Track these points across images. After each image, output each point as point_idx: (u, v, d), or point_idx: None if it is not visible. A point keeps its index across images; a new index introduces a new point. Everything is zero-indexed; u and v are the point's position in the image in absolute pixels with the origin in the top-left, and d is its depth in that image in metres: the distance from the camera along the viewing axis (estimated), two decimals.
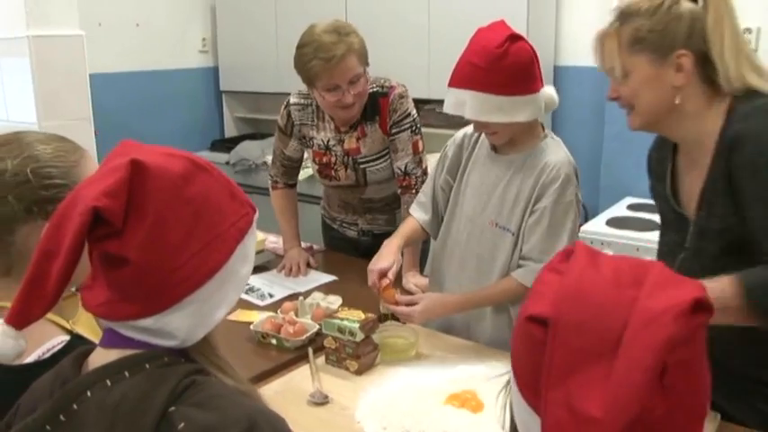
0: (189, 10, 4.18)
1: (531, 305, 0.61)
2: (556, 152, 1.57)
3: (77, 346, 0.87)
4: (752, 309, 1.14)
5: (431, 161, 2.07)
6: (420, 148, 2.04)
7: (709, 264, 1.22)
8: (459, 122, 1.68)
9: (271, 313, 1.74)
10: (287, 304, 1.76)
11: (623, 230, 2.67)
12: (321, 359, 1.55)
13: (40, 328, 0.78)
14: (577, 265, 0.61)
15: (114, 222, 0.66)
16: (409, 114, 2.02)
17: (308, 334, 1.62)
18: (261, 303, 1.88)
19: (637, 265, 0.61)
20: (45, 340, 0.91)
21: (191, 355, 0.74)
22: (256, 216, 0.78)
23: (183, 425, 0.67)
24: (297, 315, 1.72)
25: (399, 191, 2.06)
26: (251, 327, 1.67)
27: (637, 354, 0.54)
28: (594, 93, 3.07)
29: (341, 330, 1.49)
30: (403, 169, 2.02)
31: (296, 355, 1.58)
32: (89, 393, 0.69)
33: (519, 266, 1.58)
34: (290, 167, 2.21)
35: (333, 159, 2.09)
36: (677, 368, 0.54)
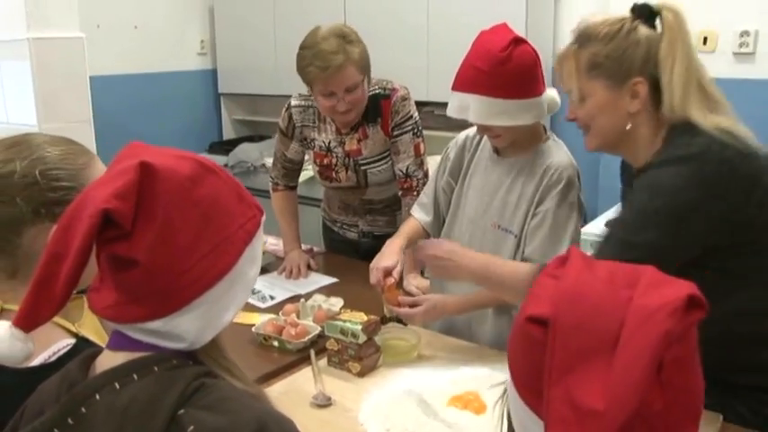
0: (187, 12, 4.18)
1: (530, 307, 0.62)
2: (558, 155, 1.57)
3: (83, 348, 0.87)
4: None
5: (430, 163, 2.08)
6: (422, 151, 2.05)
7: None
8: (457, 125, 1.69)
9: (272, 315, 1.74)
10: (288, 306, 1.76)
11: None
12: (323, 361, 1.55)
13: (45, 330, 0.77)
14: (573, 269, 0.63)
15: (124, 225, 0.66)
16: (411, 117, 2.02)
17: (310, 336, 1.62)
18: (262, 305, 1.88)
19: (629, 268, 0.63)
20: (51, 343, 0.91)
21: (199, 357, 0.74)
22: (263, 218, 0.78)
23: (192, 428, 0.66)
24: (298, 317, 1.72)
25: (400, 193, 2.07)
26: (252, 329, 1.67)
27: (635, 349, 0.55)
28: None
29: (343, 332, 1.49)
30: (404, 171, 2.03)
31: (298, 357, 1.58)
32: (98, 396, 0.69)
33: None
34: (290, 170, 2.21)
35: (333, 161, 2.09)
36: (673, 364, 0.56)
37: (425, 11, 3.33)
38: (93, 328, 1.03)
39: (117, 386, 0.69)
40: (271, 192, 2.24)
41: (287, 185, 2.23)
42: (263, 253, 2.17)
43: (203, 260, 0.70)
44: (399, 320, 1.67)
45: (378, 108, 2.01)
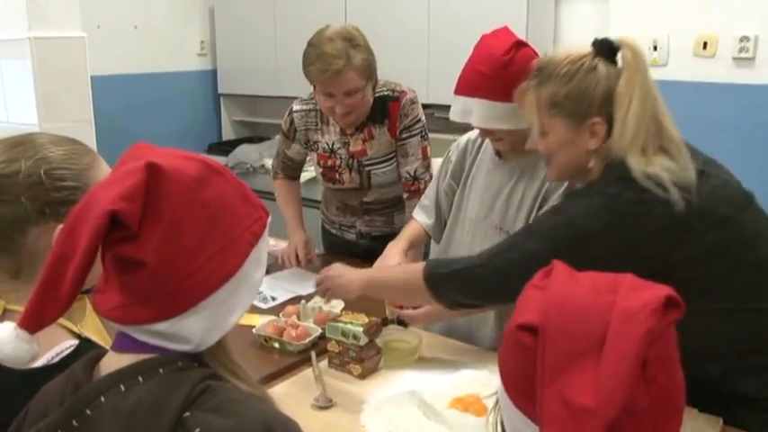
0: (187, 13, 4.18)
1: (519, 316, 0.66)
2: None
3: (86, 349, 0.87)
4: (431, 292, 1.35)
5: (433, 166, 2.08)
6: (428, 154, 2.06)
7: None
8: (458, 127, 1.69)
9: (273, 317, 1.74)
10: (289, 308, 1.75)
11: None
12: (324, 363, 1.55)
13: (48, 331, 0.77)
14: (558, 279, 0.67)
15: (130, 226, 0.66)
16: (420, 120, 2.04)
17: (311, 338, 1.62)
18: (263, 306, 1.88)
19: (610, 276, 0.68)
20: (54, 344, 0.90)
21: (204, 359, 0.74)
22: (269, 220, 0.78)
23: (198, 430, 0.66)
24: (299, 319, 1.71)
25: (406, 195, 2.07)
26: (253, 330, 1.66)
27: (620, 348, 0.59)
28: None
29: (344, 334, 1.49)
30: (412, 174, 2.03)
31: (299, 359, 1.58)
32: (103, 398, 0.69)
33: None
34: (291, 167, 2.24)
35: (337, 162, 2.09)
36: (656, 362, 0.60)
37: (426, 13, 3.33)
38: (95, 329, 1.03)
39: (122, 388, 0.69)
40: (272, 180, 2.27)
41: (287, 176, 2.25)
42: None
43: (210, 262, 0.69)
44: (401, 322, 1.67)
45: (385, 110, 2.01)
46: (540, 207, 1.56)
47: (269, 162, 3.78)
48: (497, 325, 1.66)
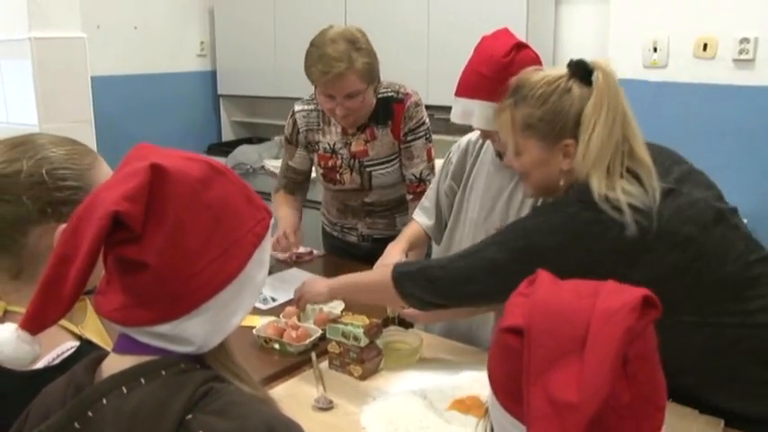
0: (187, 13, 4.18)
1: (506, 320, 0.69)
2: None
3: (87, 351, 0.87)
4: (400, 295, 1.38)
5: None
6: (432, 156, 2.06)
7: None
8: (457, 128, 1.69)
9: (273, 317, 1.73)
10: (289, 309, 1.75)
11: None
12: (324, 364, 1.54)
13: (49, 332, 0.77)
14: (542, 286, 0.71)
15: (134, 227, 0.66)
16: (424, 122, 2.04)
17: (312, 339, 1.61)
18: (263, 307, 1.87)
19: (592, 282, 0.71)
20: (55, 345, 0.90)
21: (207, 361, 0.74)
22: (272, 221, 0.78)
23: None
24: (299, 320, 1.71)
25: (410, 197, 2.06)
26: (253, 331, 1.66)
27: (602, 345, 0.62)
28: None
29: (345, 335, 1.49)
30: (418, 176, 2.03)
31: (299, 360, 1.57)
32: (105, 401, 0.68)
33: None
34: (294, 181, 2.18)
35: (338, 162, 2.09)
36: (637, 360, 0.63)
37: (426, 14, 3.34)
38: (95, 330, 1.03)
39: (124, 390, 0.68)
40: (272, 194, 2.24)
41: (289, 192, 2.20)
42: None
43: (213, 263, 0.69)
44: (402, 321, 1.67)
45: (389, 111, 2.00)
46: None
47: (269, 163, 3.78)
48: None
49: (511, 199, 1.61)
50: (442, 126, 3.16)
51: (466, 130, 1.68)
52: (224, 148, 4.07)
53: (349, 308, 1.75)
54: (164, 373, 0.70)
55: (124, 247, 0.67)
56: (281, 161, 2.23)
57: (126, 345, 0.73)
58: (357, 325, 1.50)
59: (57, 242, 0.69)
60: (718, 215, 1.27)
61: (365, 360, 1.49)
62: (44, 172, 0.91)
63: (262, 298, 1.93)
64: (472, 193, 1.69)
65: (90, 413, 0.68)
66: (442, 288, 1.36)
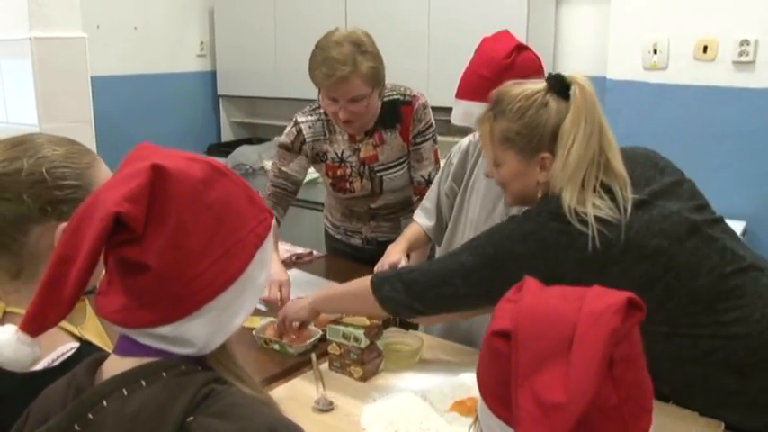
0: (187, 14, 4.17)
1: (494, 324, 0.70)
2: None
3: (87, 352, 0.86)
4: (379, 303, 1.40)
5: None
6: (439, 157, 2.05)
7: None
8: (457, 130, 1.69)
9: (272, 318, 1.73)
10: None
11: None
12: (324, 365, 1.54)
13: (49, 334, 0.76)
14: (529, 291, 0.72)
15: (135, 228, 0.65)
16: (432, 124, 2.04)
17: (312, 340, 1.61)
18: (263, 308, 1.87)
19: (578, 288, 0.72)
20: (55, 346, 0.90)
21: (208, 363, 0.73)
22: (274, 222, 0.78)
23: None
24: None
25: (417, 199, 2.03)
26: (253, 332, 1.66)
27: (588, 347, 0.64)
28: None
29: (345, 336, 1.49)
30: (426, 178, 2.02)
31: (299, 361, 1.57)
32: (105, 403, 0.68)
33: None
34: (282, 189, 2.02)
35: (348, 171, 2.05)
36: (623, 362, 0.65)
37: (426, 15, 3.33)
38: (95, 332, 1.02)
39: (125, 392, 0.68)
40: None
41: (274, 204, 2.00)
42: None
43: (214, 265, 0.69)
44: (402, 322, 1.67)
45: (397, 114, 1.99)
46: None
47: (268, 163, 3.77)
48: None
49: None
50: (442, 127, 3.14)
51: (467, 131, 1.68)
52: (224, 149, 4.07)
53: None
54: (164, 374, 0.69)
55: (125, 248, 0.67)
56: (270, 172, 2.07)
57: (126, 346, 0.72)
58: (357, 326, 1.50)
59: (57, 241, 0.69)
60: (692, 227, 1.28)
61: (365, 361, 1.48)
62: (44, 170, 0.91)
63: (261, 299, 1.93)
64: (473, 194, 1.69)
65: (90, 415, 0.68)
66: (418, 291, 1.37)
